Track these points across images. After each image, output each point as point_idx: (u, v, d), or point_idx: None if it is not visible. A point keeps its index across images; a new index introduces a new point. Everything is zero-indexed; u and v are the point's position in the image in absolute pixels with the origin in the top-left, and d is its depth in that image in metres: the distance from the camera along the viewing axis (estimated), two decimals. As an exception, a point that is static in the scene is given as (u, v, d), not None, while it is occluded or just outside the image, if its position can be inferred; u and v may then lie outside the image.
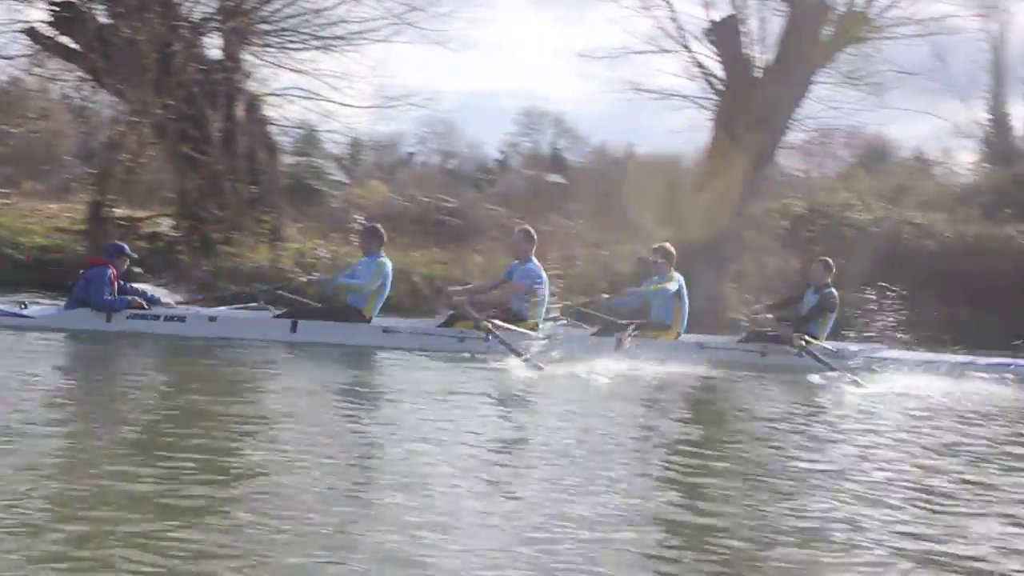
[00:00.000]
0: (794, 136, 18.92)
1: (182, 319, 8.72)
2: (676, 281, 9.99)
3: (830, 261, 10.59)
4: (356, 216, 16.72)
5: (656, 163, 20.98)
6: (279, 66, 16.36)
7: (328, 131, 19.94)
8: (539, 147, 38.95)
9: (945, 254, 17.42)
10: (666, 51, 17.15)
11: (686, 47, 17.02)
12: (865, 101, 18.06)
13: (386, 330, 9.02)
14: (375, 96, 19.77)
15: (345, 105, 16.72)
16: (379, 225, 9.75)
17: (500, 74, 60.95)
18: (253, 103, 16.30)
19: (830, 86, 17.44)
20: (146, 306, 8.73)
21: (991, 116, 26.91)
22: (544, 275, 9.49)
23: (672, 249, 10.23)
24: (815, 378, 8.85)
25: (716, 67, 16.80)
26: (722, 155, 16.35)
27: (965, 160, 27.97)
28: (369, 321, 9.11)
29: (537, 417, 6.16)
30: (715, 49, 16.59)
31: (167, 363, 7.68)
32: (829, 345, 9.82)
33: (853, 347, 10.05)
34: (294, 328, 8.79)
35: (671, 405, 7.06)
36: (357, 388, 6.92)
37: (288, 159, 19.06)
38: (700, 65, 16.88)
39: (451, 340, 8.98)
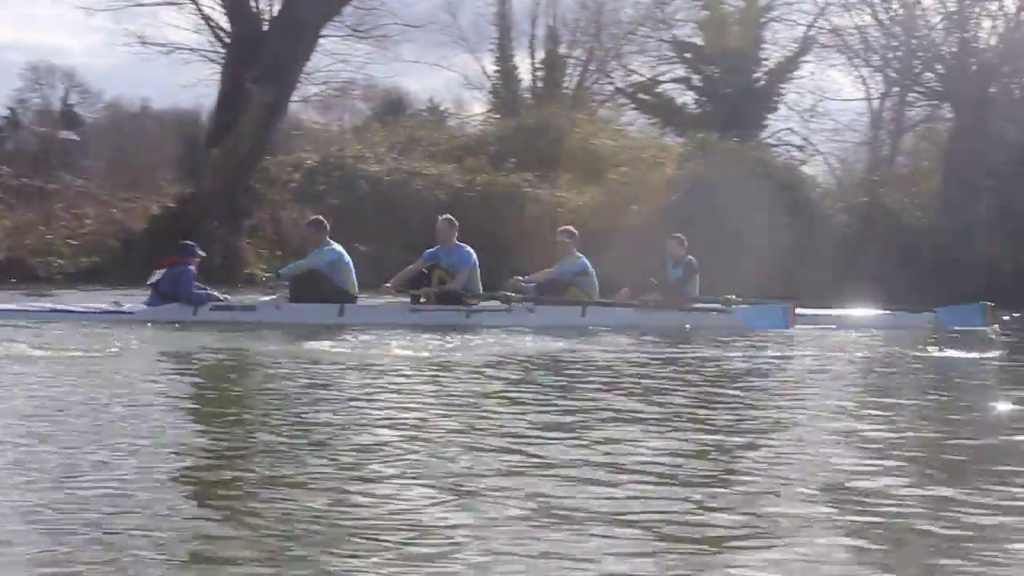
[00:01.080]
0: (307, 89, 21.87)
1: (253, 308, 11.01)
2: (580, 259, 12.26)
3: (681, 236, 12.96)
4: None
5: (171, 118, 22.86)
6: None
7: None
8: (50, 103, 38.73)
9: (455, 203, 21.32)
10: (173, 3, 19.18)
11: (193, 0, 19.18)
12: (374, 54, 21.54)
13: (412, 310, 11.41)
14: None
15: None
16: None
17: (4, 27, 59.13)
18: None
19: (339, 39, 20.60)
20: (222, 299, 10.88)
21: (498, 68, 32.17)
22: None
23: (574, 230, 12.51)
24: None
25: (224, 20, 19.13)
26: (232, 109, 18.72)
27: (476, 111, 33.04)
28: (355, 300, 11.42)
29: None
30: (221, 2, 18.91)
31: (286, 347, 8.89)
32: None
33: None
34: (341, 312, 11.04)
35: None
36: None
37: None
38: (207, 18, 19.10)
39: (458, 316, 11.35)
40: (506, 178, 22.63)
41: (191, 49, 20.06)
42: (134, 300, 11.17)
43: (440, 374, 7.29)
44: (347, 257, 11.46)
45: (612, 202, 21.67)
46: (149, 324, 10.22)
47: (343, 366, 7.52)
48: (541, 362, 8.21)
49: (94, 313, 10.59)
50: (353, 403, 5.88)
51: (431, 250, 11.83)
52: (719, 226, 20.06)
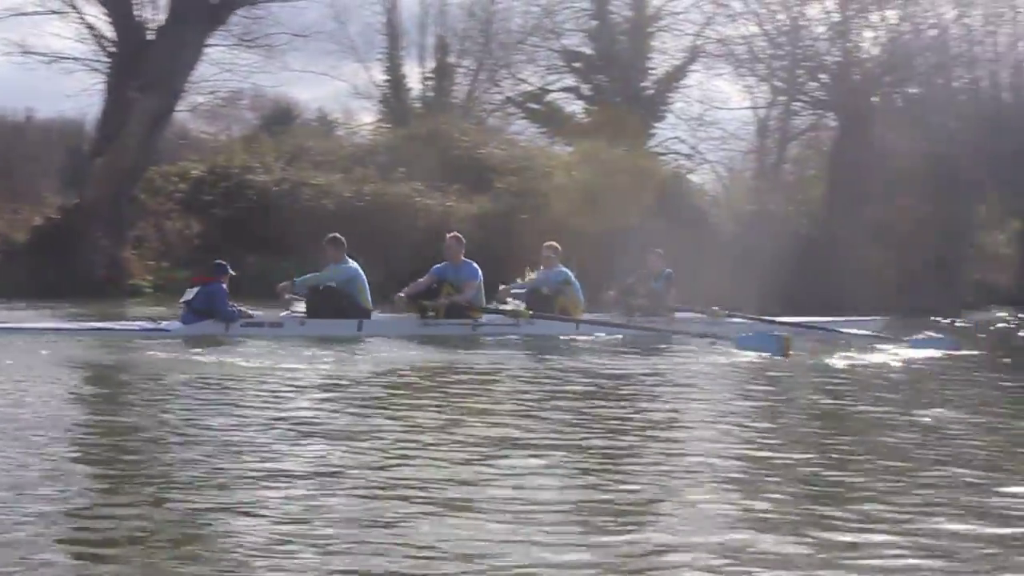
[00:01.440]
0: (194, 98, 22.75)
1: (280, 325, 12.01)
2: (563, 272, 13.47)
3: (661, 251, 14.53)
4: None
5: (55, 128, 23.51)
6: None
7: None
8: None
9: (343, 213, 22.35)
10: (56, 12, 19.96)
11: (75, 8, 19.98)
12: (261, 63, 22.55)
13: (423, 324, 12.55)
14: None
15: None
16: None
17: None
18: None
19: (225, 48, 21.55)
20: (252, 315, 11.90)
21: (388, 77, 33.34)
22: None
23: (558, 246, 13.68)
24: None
25: (108, 29, 19.95)
26: (116, 119, 19.55)
27: (365, 121, 34.12)
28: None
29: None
30: (106, 11, 19.74)
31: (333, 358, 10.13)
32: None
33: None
34: (360, 327, 12.16)
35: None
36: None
37: None
38: (91, 28, 19.92)
39: (465, 328, 12.64)
40: (395, 188, 23.64)
41: (74, 58, 20.84)
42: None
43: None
44: (362, 274, 12.52)
45: (501, 211, 22.91)
46: (185, 341, 11.09)
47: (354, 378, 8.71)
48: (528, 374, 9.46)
49: (134, 330, 11.53)
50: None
51: (439, 266, 13.04)
52: (609, 235, 21.53)
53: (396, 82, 33.06)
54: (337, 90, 69.12)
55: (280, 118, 31.08)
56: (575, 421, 6.67)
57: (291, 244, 20.26)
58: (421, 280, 12.97)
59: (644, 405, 7.79)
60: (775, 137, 33.18)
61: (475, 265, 13.00)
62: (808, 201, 28.03)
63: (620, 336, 13.00)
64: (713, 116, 33.89)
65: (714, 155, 33.52)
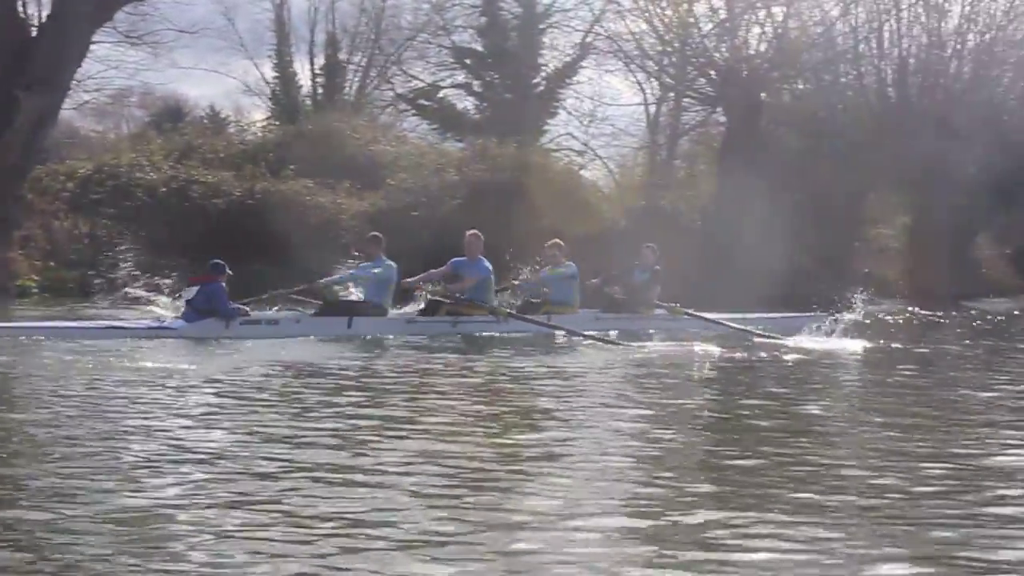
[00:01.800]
0: (80, 96, 23.56)
1: (276, 323, 13.14)
2: (569, 268, 14.86)
3: (655, 246, 16.08)
4: None
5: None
6: None
7: None
8: None
9: (234, 212, 23.35)
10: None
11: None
12: (148, 60, 23.49)
13: (408, 320, 13.85)
14: None
15: None
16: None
17: None
18: None
19: (111, 45, 22.44)
20: (249, 313, 12.99)
21: (278, 74, 34.40)
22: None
23: (563, 243, 15.20)
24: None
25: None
26: (1, 117, 20.30)
27: (256, 118, 35.08)
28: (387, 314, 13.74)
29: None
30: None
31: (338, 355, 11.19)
32: None
33: None
34: (350, 324, 13.23)
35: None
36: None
37: None
38: (-27, 24, 20.58)
39: (445, 324, 13.83)
40: (285, 185, 24.60)
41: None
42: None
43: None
44: (393, 273, 13.94)
45: (393, 208, 24.09)
46: (190, 339, 12.20)
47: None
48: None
49: (142, 329, 12.50)
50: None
51: (457, 259, 14.57)
52: (502, 231, 22.86)
53: (286, 79, 34.16)
54: (228, 87, 69.49)
55: (170, 116, 31.96)
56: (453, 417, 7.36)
57: (181, 243, 21.22)
58: (436, 270, 14.65)
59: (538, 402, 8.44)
60: (666, 133, 34.94)
61: (487, 263, 14.47)
62: (698, 196, 29.58)
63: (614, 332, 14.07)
64: (604, 112, 35.53)
65: (606, 151, 35.18)
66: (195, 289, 12.75)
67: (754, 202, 28.47)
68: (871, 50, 34.66)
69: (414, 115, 34.61)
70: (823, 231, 29.57)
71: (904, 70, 34.85)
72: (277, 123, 32.22)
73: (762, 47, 30.88)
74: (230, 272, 13.05)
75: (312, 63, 34.74)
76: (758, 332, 14.18)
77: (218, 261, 13.02)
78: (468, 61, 33.94)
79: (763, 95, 31.85)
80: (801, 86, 33.96)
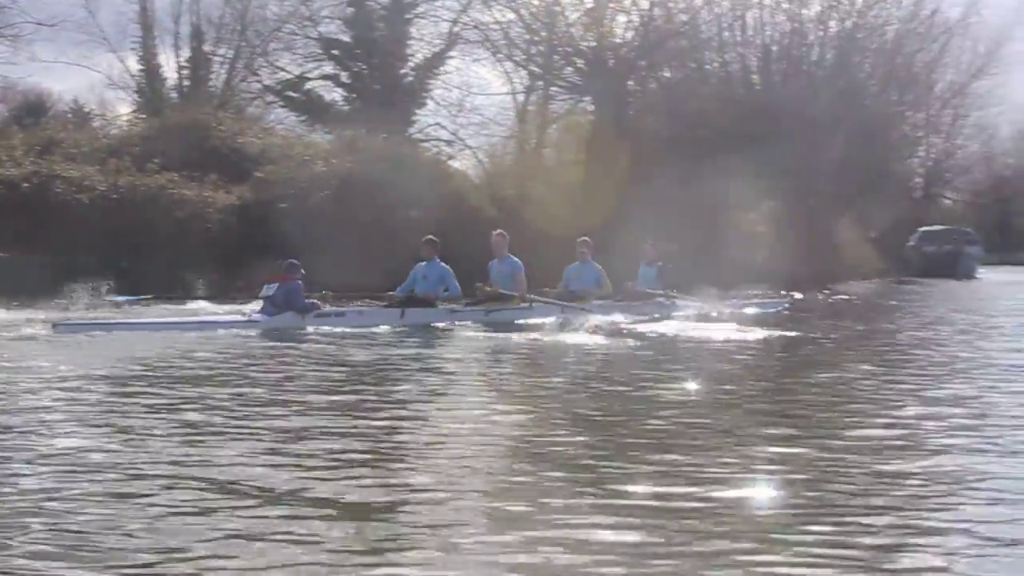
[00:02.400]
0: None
1: (342, 314, 14.66)
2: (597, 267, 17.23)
3: (654, 242, 18.84)
4: None
5: None
6: None
7: None
8: None
9: (99, 206, 23.49)
10: None
11: None
12: (7, 53, 23.49)
13: (451, 311, 15.62)
14: None
15: None
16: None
17: None
18: None
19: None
20: (323, 308, 14.53)
21: (142, 67, 34.45)
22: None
23: (590, 240, 17.56)
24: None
25: None
26: None
27: (121, 112, 35.04)
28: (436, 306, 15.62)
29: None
30: None
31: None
32: None
33: None
34: (402, 315, 15.00)
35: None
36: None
37: None
38: None
39: (480, 313, 15.68)
40: (151, 179, 24.77)
41: None
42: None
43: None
44: (449, 270, 15.95)
45: (261, 201, 24.49)
46: (272, 331, 13.71)
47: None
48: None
49: (232, 323, 14.31)
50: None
51: (494, 260, 16.63)
52: (372, 222, 23.48)
53: (151, 72, 34.21)
54: (92, 81, 68.65)
55: (32, 110, 31.78)
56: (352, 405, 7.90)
57: (44, 239, 21.36)
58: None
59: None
60: (534, 122, 35.84)
61: (515, 259, 16.41)
62: (567, 185, 30.46)
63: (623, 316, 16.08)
64: (473, 102, 36.24)
65: (475, 140, 35.93)
66: (274, 286, 14.48)
67: (622, 190, 29.59)
68: (735, 38, 36.10)
69: (282, 107, 34.92)
70: (692, 218, 30.67)
71: (768, 57, 36.36)
72: (143, 116, 32.21)
73: (628, 35, 31.91)
74: (303, 271, 14.75)
75: (177, 55, 34.79)
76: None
77: (294, 261, 14.81)
78: (335, 52, 34.34)
79: (630, 83, 32.97)
80: (668, 74, 35.12)
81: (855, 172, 38.85)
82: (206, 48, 34.55)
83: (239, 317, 14.64)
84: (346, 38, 34.40)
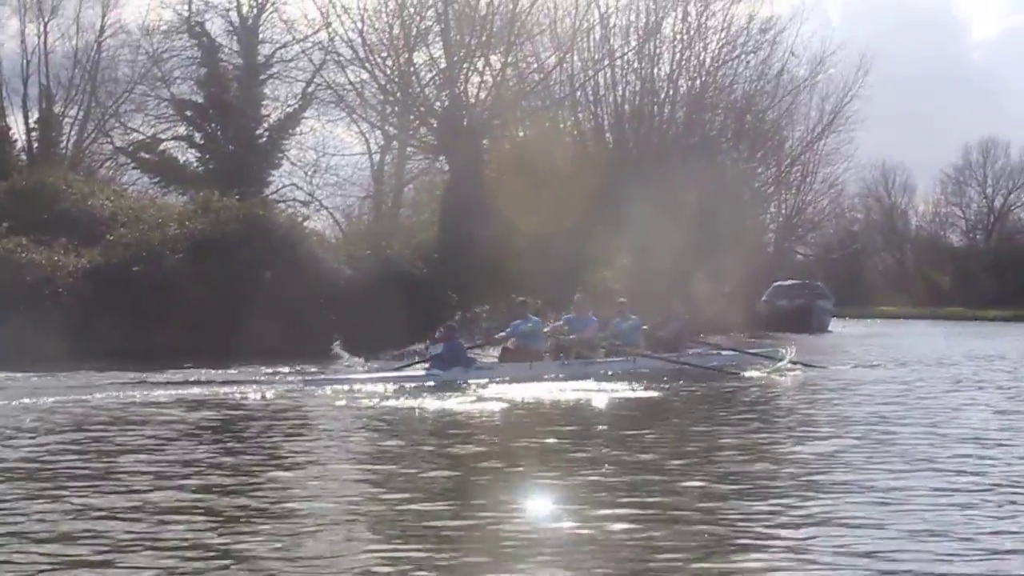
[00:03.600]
0: None
1: (492, 368, 18.29)
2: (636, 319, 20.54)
3: (623, 299, 21.67)
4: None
5: None
6: None
7: None
8: None
9: (-56, 271, 23.61)
10: None
11: None
12: None
13: (561, 364, 18.78)
14: None
15: None
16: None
17: None
18: None
19: None
20: (479, 361, 18.47)
21: (-8, 130, 34.49)
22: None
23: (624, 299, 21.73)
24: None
25: None
26: None
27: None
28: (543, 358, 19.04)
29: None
30: None
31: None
32: None
33: None
34: (531, 366, 18.19)
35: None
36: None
37: None
38: None
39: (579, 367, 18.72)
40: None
41: None
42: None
43: None
44: (540, 326, 19.40)
45: (111, 264, 24.78)
46: (448, 383, 16.75)
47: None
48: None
49: (418, 376, 17.56)
50: None
51: (568, 316, 20.28)
52: (227, 284, 24.00)
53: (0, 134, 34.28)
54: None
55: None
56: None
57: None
58: (557, 324, 20.18)
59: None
60: (390, 182, 36.79)
61: (594, 316, 19.96)
62: (422, 244, 31.29)
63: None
64: (329, 162, 37.10)
65: (331, 201, 36.77)
66: (441, 346, 17.83)
67: (476, 248, 30.56)
68: (588, 97, 37.57)
69: (135, 168, 35.31)
70: (547, 274, 31.76)
71: (620, 116, 37.90)
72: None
73: (482, 95, 32.97)
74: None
75: (26, 117, 35.04)
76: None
77: (452, 324, 19.40)
78: (189, 113, 34.93)
79: (485, 143, 34.09)
80: (522, 133, 36.41)
81: (709, 228, 40.34)
82: (56, 109, 34.80)
83: (421, 372, 17.89)
84: (199, 99, 34.96)
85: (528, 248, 31.61)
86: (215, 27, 35.28)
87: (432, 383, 16.82)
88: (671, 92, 39.35)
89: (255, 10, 34.95)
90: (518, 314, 19.69)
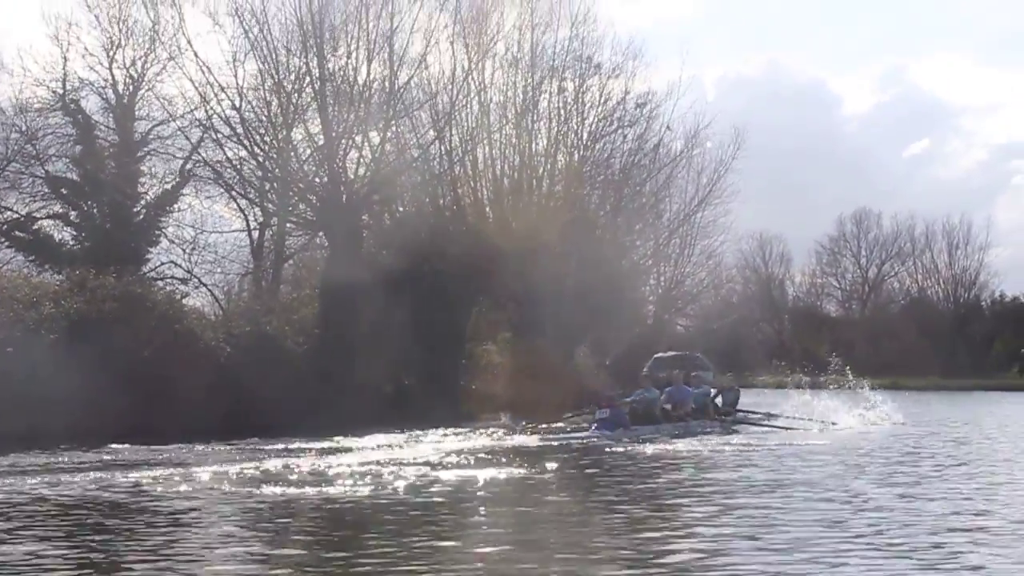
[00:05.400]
0: None
1: (636, 429, 23.87)
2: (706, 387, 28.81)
3: (645, 371, 27.85)
4: None
5: None
6: None
7: None
8: None
9: None
10: None
11: None
12: None
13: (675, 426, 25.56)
14: None
15: None
16: None
17: None
18: None
19: None
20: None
21: None
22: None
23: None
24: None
25: None
26: None
27: None
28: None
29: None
30: None
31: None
32: None
33: None
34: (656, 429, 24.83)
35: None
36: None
37: None
38: None
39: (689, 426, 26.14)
40: None
41: None
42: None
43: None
44: (658, 395, 26.15)
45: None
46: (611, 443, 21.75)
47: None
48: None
49: (596, 435, 22.84)
50: None
51: (669, 388, 26.94)
52: (104, 363, 24.22)
53: None
54: None
55: None
56: None
57: None
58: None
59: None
60: (270, 258, 37.22)
61: (690, 389, 27.32)
62: (302, 320, 31.80)
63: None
64: (207, 239, 37.31)
65: (210, 278, 37.02)
66: (607, 410, 23.75)
67: (357, 323, 31.15)
68: (467, 171, 38.41)
69: (9, 247, 35.15)
70: (427, 350, 32.47)
71: (499, 190, 38.82)
72: None
73: (361, 171, 33.47)
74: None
75: None
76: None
77: (613, 395, 25.20)
78: (64, 191, 35.01)
79: (364, 218, 34.73)
80: (401, 208, 37.15)
81: (589, 300, 41.29)
82: (-75, 187, 34.61)
83: (595, 434, 23.00)
84: (75, 176, 35.12)
85: (410, 322, 32.24)
86: (90, 104, 35.49)
87: (596, 440, 22.08)
88: (549, 166, 40.25)
89: (131, 87, 35.25)
90: (641, 384, 26.58)
